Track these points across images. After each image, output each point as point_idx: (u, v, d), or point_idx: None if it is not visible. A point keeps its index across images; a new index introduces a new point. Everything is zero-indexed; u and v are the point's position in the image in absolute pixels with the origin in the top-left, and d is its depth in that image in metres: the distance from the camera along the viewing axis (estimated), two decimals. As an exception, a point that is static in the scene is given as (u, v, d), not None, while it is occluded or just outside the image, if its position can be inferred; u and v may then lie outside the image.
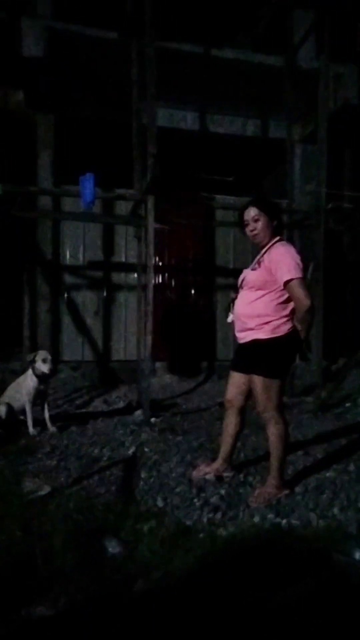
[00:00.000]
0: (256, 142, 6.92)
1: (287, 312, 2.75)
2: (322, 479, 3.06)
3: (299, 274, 2.68)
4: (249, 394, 2.96)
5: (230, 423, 3.06)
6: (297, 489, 2.91)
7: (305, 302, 2.66)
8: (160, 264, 6.46)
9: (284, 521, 2.54)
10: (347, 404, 5.06)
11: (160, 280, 6.46)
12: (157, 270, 6.37)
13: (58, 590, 1.97)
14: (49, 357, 4.05)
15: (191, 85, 5.99)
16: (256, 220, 2.83)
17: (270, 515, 2.59)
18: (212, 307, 6.64)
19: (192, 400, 5.36)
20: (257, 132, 6.89)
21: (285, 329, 2.73)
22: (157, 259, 6.30)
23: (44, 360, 4.00)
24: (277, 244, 2.82)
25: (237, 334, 2.91)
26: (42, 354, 4.08)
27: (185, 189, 6.29)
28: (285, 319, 2.74)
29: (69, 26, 5.29)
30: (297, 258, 2.74)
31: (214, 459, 3.17)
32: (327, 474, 3.13)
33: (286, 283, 2.68)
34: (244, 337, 2.85)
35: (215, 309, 6.61)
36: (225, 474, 3.07)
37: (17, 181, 4.79)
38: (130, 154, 5.05)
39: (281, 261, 2.71)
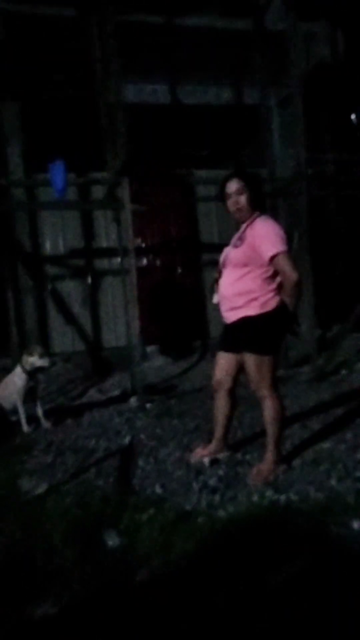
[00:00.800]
0: (232, 110, 6.73)
1: (274, 286, 2.70)
2: (319, 450, 3.05)
3: (284, 248, 2.62)
4: (237, 375, 2.92)
5: (221, 406, 3.03)
6: (295, 463, 2.90)
7: (293, 275, 2.61)
8: (144, 245, 6.35)
9: (283, 497, 2.52)
10: (343, 371, 5.04)
11: (145, 262, 6.36)
12: (141, 252, 6.27)
13: (60, 587, 1.95)
14: (42, 351, 4.00)
15: (158, 57, 5.78)
16: (240, 194, 2.74)
17: (269, 493, 2.57)
18: (200, 284, 6.56)
19: (187, 381, 5.33)
20: (231, 100, 6.69)
21: (273, 304, 2.68)
22: (139, 240, 6.19)
23: (40, 355, 3.94)
24: (258, 218, 2.74)
25: (225, 314, 2.85)
26: (36, 349, 4.02)
27: (161, 166, 6.13)
28: (272, 294, 2.69)
29: (22, 7, 5.05)
30: (281, 231, 2.68)
31: (210, 441, 3.15)
32: (325, 445, 3.12)
33: (272, 258, 2.62)
34: (232, 316, 2.79)
35: (204, 286, 6.53)
36: (221, 455, 3.04)
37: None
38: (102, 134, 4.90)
39: (264, 236, 2.64)
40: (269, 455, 2.79)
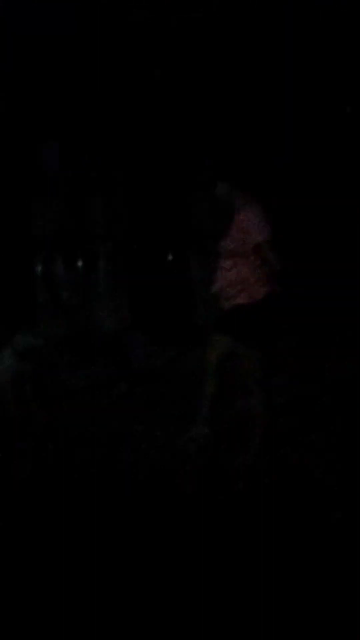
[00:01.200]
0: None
1: (263, 275, 2.70)
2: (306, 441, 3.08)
3: (265, 237, 2.66)
4: (229, 359, 2.94)
5: (210, 386, 3.03)
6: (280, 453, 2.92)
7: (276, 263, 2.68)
8: (135, 230, 6.29)
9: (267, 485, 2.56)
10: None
11: (135, 247, 6.30)
12: (131, 236, 6.21)
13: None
14: (35, 331, 4.00)
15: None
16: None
17: (254, 481, 2.61)
18: (190, 272, 6.54)
19: (176, 368, 5.34)
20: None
21: (262, 292, 2.69)
22: (130, 225, 6.13)
23: (33, 335, 3.94)
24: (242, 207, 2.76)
25: (221, 302, 2.90)
26: (28, 328, 4.01)
27: (158, 149, 6.06)
28: (262, 283, 2.69)
29: None
30: (267, 219, 2.71)
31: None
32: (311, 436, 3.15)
33: (256, 246, 2.65)
34: (226, 304, 2.84)
35: (194, 272, 6.51)
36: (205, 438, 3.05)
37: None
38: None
39: (247, 226, 2.70)
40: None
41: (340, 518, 2.21)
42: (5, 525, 2.30)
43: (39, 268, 6.09)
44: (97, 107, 4.79)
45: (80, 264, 6.20)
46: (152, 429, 3.46)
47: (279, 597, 1.72)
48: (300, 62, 5.66)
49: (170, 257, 6.50)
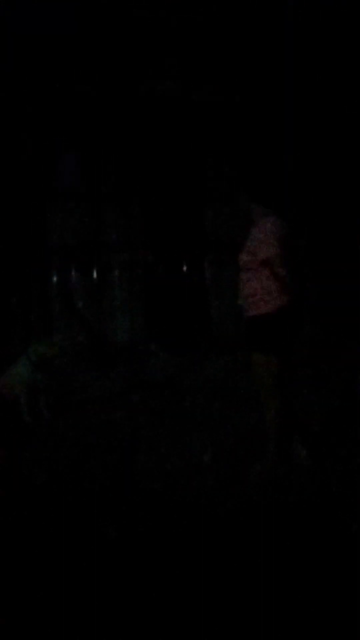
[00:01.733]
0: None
1: (276, 287, 2.72)
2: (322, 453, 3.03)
3: (273, 253, 2.68)
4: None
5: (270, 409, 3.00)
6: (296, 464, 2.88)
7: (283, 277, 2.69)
8: (150, 240, 6.33)
9: (283, 498, 2.53)
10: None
11: (151, 257, 6.35)
12: (147, 246, 6.25)
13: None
14: (50, 341, 4.05)
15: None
16: None
17: (269, 492, 2.58)
18: (205, 282, 6.55)
19: (191, 378, 5.32)
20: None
21: (270, 306, 2.72)
22: (146, 235, 6.17)
23: (48, 345, 4.00)
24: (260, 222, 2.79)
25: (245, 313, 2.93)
26: (43, 339, 4.07)
27: (173, 160, 6.11)
28: (275, 295, 2.72)
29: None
30: (278, 234, 2.71)
31: None
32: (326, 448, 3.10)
33: (266, 260, 2.68)
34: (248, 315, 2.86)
35: (209, 283, 6.52)
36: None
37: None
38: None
39: (259, 240, 2.72)
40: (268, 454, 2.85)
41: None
42: (19, 530, 2.31)
43: (55, 278, 6.16)
44: (114, 119, 4.85)
45: (95, 274, 6.25)
46: (166, 437, 3.44)
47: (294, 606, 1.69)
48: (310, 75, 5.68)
49: (185, 268, 6.52)
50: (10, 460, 3.16)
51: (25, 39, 5.18)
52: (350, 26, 5.47)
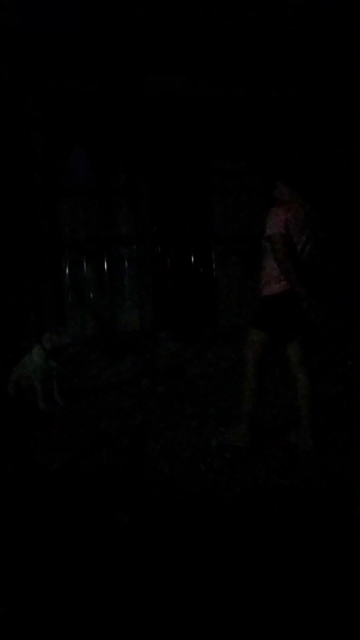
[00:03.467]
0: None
1: (278, 271, 2.87)
2: (325, 437, 3.15)
3: (278, 230, 2.81)
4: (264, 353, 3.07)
5: (249, 382, 3.13)
6: (300, 449, 3.01)
7: (279, 256, 2.81)
8: (159, 232, 6.41)
9: (287, 481, 2.65)
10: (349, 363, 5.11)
11: (159, 249, 6.43)
12: (156, 239, 6.33)
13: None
14: (63, 329, 4.18)
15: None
16: None
17: (274, 476, 2.70)
18: (212, 273, 6.64)
19: (198, 366, 5.44)
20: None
21: (277, 287, 2.87)
22: (154, 228, 6.25)
23: (61, 333, 4.15)
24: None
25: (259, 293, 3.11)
26: (57, 327, 4.23)
27: (179, 156, 6.15)
28: (276, 278, 2.88)
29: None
30: (282, 217, 2.83)
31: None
32: (333, 434, 3.21)
33: (268, 237, 2.85)
34: (260, 295, 3.04)
35: (216, 274, 6.60)
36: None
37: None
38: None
39: (267, 220, 2.88)
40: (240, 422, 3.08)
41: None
42: (32, 516, 2.45)
43: (67, 270, 6.27)
44: (122, 114, 4.91)
45: (105, 266, 6.36)
46: (175, 423, 3.58)
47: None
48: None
49: (192, 259, 6.59)
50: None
51: (33, 32, 5.21)
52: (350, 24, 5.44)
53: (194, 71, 6.07)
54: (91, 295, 6.34)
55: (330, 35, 5.66)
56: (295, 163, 5.59)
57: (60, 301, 6.19)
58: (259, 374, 3.01)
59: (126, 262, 6.35)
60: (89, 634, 1.68)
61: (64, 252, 6.23)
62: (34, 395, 4.12)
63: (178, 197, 6.13)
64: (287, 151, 5.64)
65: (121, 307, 6.39)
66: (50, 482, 2.78)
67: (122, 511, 2.40)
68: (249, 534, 2.17)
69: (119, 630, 1.68)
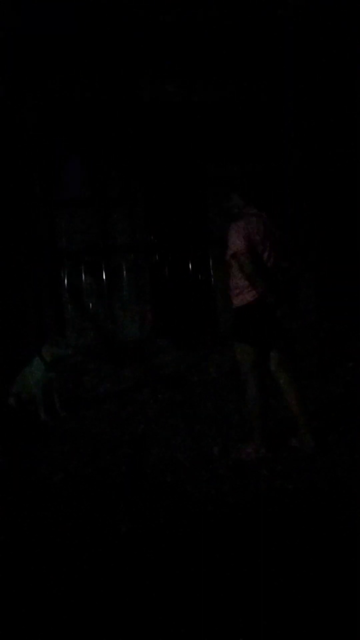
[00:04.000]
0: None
1: (247, 282, 2.93)
2: (327, 441, 3.14)
3: (241, 246, 2.87)
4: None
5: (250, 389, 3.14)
6: (303, 454, 3.00)
7: (247, 270, 2.88)
8: (156, 240, 6.44)
9: (290, 486, 2.64)
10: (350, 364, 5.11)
11: (157, 257, 6.46)
12: (153, 247, 6.36)
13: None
14: (63, 341, 4.19)
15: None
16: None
17: (277, 482, 2.69)
18: (210, 279, 6.65)
19: (199, 373, 5.44)
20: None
21: (248, 297, 2.94)
22: (151, 236, 6.27)
23: (61, 345, 4.15)
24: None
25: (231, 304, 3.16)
26: (56, 339, 4.22)
27: (176, 162, 6.19)
28: (247, 288, 2.94)
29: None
30: (242, 233, 2.90)
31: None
32: (331, 437, 3.21)
33: (232, 255, 2.92)
34: (233, 306, 3.10)
35: (215, 281, 6.62)
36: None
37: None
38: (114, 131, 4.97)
39: (228, 238, 2.96)
40: (252, 434, 3.05)
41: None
42: (36, 526, 2.45)
43: (66, 280, 6.29)
44: (116, 123, 4.94)
45: (104, 275, 6.38)
46: (176, 431, 3.57)
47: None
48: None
49: (190, 266, 6.61)
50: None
51: (26, 42, 5.26)
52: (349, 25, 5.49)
53: (189, 75, 6.13)
54: (90, 305, 6.35)
55: (330, 35, 5.70)
56: (293, 165, 5.65)
57: (59, 311, 6.21)
58: (259, 382, 3.01)
59: (124, 271, 6.37)
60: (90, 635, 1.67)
61: (62, 261, 6.26)
62: (35, 407, 4.12)
63: (174, 204, 6.16)
64: (286, 154, 5.67)
65: (120, 315, 6.40)
66: (52, 493, 2.78)
67: (122, 520, 2.39)
68: (253, 539, 2.17)
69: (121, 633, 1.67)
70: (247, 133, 6.86)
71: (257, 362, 3.01)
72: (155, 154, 5.02)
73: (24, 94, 5.78)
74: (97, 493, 2.74)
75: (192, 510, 2.48)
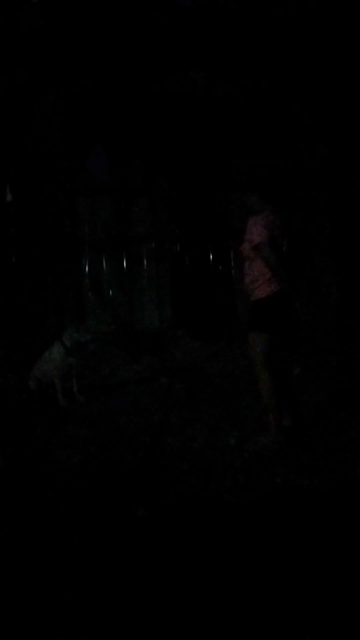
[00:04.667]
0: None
1: (269, 274, 2.99)
2: (344, 438, 3.12)
3: (264, 238, 2.95)
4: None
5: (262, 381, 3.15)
6: (320, 449, 2.99)
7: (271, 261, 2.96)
8: (177, 231, 6.43)
9: (306, 481, 2.64)
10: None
11: (178, 248, 6.45)
12: (174, 237, 6.35)
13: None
14: (83, 328, 4.24)
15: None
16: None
17: (292, 476, 2.69)
18: (231, 271, 6.62)
19: (217, 364, 5.45)
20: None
21: (270, 289, 3.00)
22: (172, 226, 6.26)
23: (81, 331, 4.19)
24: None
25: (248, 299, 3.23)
26: (77, 325, 4.28)
27: (199, 153, 6.14)
28: (271, 280, 3.00)
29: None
30: (265, 225, 2.99)
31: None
32: (351, 434, 3.19)
33: (256, 247, 2.97)
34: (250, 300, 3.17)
35: (235, 273, 6.58)
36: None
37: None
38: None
39: (250, 230, 3.04)
40: (268, 426, 3.06)
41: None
42: (55, 506, 2.50)
43: (87, 269, 6.34)
44: (140, 114, 4.92)
45: (125, 264, 6.40)
46: (193, 422, 3.59)
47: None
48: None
49: (211, 257, 6.59)
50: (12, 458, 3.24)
51: (51, 28, 5.26)
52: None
53: (213, 68, 6.06)
54: (110, 293, 6.39)
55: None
56: (317, 160, 5.57)
57: (79, 298, 6.26)
58: (274, 374, 3.03)
59: (145, 261, 6.38)
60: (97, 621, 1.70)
61: (83, 250, 6.30)
62: (54, 391, 4.18)
63: (196, 195, 6.13)
64: (310, 149, 5.58)
65: (140, 304, 6.42)
66: (70, 476, 2.82)
67: (138, 505, 2.41)
68: (266, 532, 2.18)
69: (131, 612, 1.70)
70: (271, 127, 6.78)
71: (271, 352, 3.03)
72: (179, 145, 4.99)
73: (48, 80, 5.79)
74: (114, 477, 2.77)
75: (207, 500, 2.49)
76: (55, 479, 2.80)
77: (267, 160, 5.13)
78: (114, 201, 6.23)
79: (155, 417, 3.74)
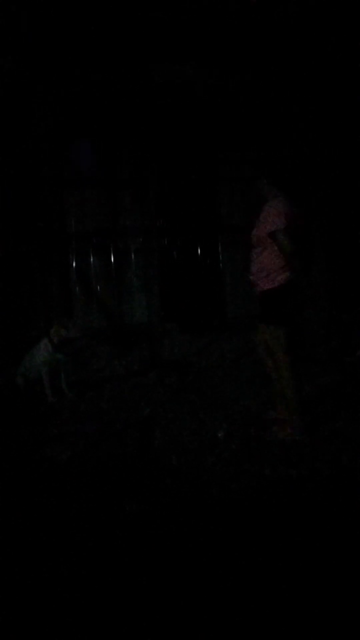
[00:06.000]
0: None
1: (282, 262, 2.93)
2: (332, 429, 3.14)
3: (281, 225, 2.87)
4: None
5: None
6: (308, 440, 3.01)
7: (287, 249, 2.88)
8: (165, 224, 6.39)
9: (294, 472, 2.65)
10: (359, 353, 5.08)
11: (166, 241, 6.41)
12: (162, 230, 6.31)
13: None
14: (71, 323, 4.19)
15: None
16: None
17: (281, 467, 2.70)
18: (219, 264, 6.61)
19: (205, 358, 5.45)
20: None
21: (281, 279, 2.93)
22: (161, 219, 6.22)
23: (68, 327, 4.14)
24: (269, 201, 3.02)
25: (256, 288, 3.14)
26: (64, 321, 4.23)
27: (188, 145, 6.10)
28: (282, 270, 2.92)
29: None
30: (283, 211, 2.90)
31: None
32: (337, 424, 3.21)
33: (271, 234, 2.89)
34: (256, 290, 3.09)
35: (223, 266, 6.58)
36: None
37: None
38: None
39: (266, 216, 2.95)
40: (290, 417, 3.07)
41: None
42: (45, 503, 2.48)
43: (74, 262, 6.28)
44: (127, 105, 4.87)
45: (112, 258, 6.36)
46: (183, 416, 3.58)
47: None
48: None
49: (199, 251, 6.57)
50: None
51: (40, 18, 5.17)
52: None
53: (201, 59, 6.01)
54: (98, 287, 6.35)
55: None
56: (303, 152, 5.56)
57: (67, 293, 6.20)
58: (295, 365, 3.02)
59: (133, 254, 6.34)
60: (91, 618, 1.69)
61: (71, 243, 6.24)
62: (41, 387, 4.15)
63: (184, 188, 6.10)
64: (301, 141, 5.57)
65: (128, 299, 6.39)
66: (58, 472, 2.80)
67: (127, 500, 2.41)
68: (257, 523, 2.18)
69: (125, 614, 1.70)
70: (261, 119, 6.75)
71: (290, 344, 3.00)
72: (167, 137, 4.95)
73: (35, 70, 5.70)
74: (103, 473, 2.76)
75: (197, 493, 2.49)
76: (44, 476, 2.78)
77: (257, 153, 5.12)
78: (101, 194, 6.18)
79: (145, 412, 3.73)
